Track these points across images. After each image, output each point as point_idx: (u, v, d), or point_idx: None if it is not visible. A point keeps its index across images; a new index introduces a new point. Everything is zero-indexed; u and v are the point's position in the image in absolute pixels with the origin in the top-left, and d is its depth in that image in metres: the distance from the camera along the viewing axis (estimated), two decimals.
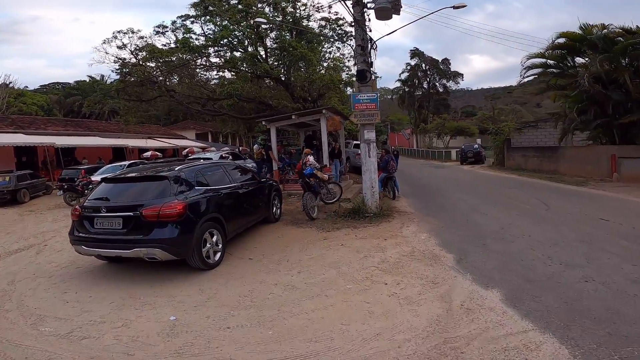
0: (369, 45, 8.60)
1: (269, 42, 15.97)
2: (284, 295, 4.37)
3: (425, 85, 55.23)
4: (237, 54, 14.61)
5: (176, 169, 5.28)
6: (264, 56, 15.78)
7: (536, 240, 6.06)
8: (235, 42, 13.96)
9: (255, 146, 11.52)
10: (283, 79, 16.52)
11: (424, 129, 47.19)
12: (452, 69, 54.90)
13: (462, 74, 56.23)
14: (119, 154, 22.38)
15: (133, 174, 5.31)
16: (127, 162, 16.37)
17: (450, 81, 55.25)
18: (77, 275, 5.39)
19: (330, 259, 5.49)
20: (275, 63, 16.27)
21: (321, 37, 17.04)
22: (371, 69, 8.61)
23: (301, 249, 6.08)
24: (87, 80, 16.72)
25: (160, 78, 16.53)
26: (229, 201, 5.86)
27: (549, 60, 15.52)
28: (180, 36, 15.04)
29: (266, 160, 11.14)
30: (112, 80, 17.41)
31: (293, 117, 10.33)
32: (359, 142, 18.23)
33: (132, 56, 15.45)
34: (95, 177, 13.35)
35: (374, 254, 5.62)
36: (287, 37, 15.26)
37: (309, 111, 10.87)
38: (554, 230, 6.57)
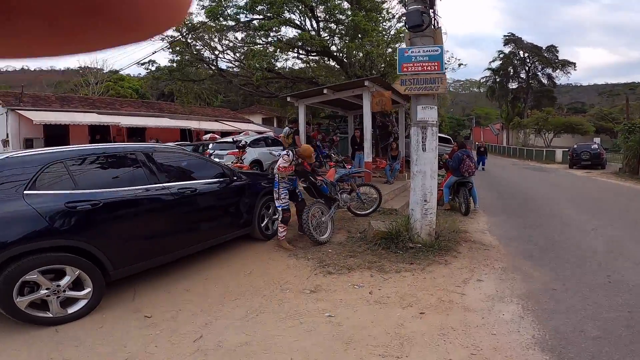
0: None
1: (320, 15, 12.86)
2: None
3: (522, 75, 46.53)
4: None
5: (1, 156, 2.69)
6: (315, 28, 12.76)
7: None
8: (276, 8, 11.11)
9: (286, 129, 8.70)
10: (340, 55, 13.31)
11: (519, 124, 39.34)
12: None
13: (574, 63, 45.49)
14: (187, 135, 21.98)
15: None
16: (172, 144, 15.16)
17: (558, 71, 45.42)
18: None
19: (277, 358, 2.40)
20: (328, 36, 13.07)
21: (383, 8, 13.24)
22: (431, 10, 5.01)
23: (249, 314, 3.08)
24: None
25: (210, 56, 14.69)
26: (131, 216, 3.15)
27: None
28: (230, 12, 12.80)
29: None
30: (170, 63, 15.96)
31: (325, 91, 7.22)
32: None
33: (178, 34, 13.77)
34: None
35: None
36: (342, 4, 11.93)
37: (346, 83, 7.57)
38: None
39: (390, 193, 7.49)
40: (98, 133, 19.82)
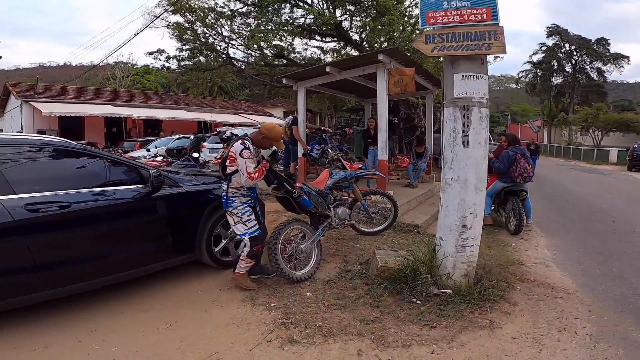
0: None
1: None
2: None
3: (568, 69, 42.23)
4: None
5: None
6: (331, 10, 10.99)
7: None
8: None
9: (289, 118, 7.10)
10: (359, 41, 11.48)
11: (565, 121, 35.52)
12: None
13: (628, 57, 40.24)
14: (206, 128, 21.05)
15: None
16: (176, 136, 14.09)
17: (609, 65, 40.64)
18: None
19: None
20: (344, 17, 11.22)
21: None
22: None
23: None
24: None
25: (220, 43, 13.34)
26: None
27: None
28: None
29: (290, 142, 6.66)
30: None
31: (328, 69, 5.49)
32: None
33: (183, 20, 12.44)
34: (137, 153, 11.10)
35: None
36: None
37: (354, 58, 5.70)
38: None
39: (412, 201, 5.73)
40: (114, 125, 19.26)
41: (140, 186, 2.72)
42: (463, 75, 3.07)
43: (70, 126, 17.00)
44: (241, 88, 37.64)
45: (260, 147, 3.04)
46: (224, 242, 3.36)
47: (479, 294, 2.94)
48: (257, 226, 2.92)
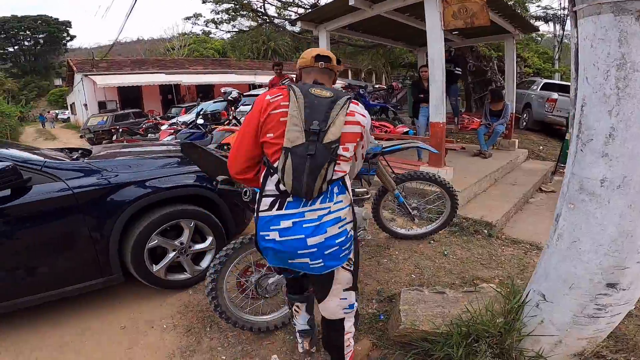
0: None
1: None
2: None
3: None
4: None
5: None
6: None
7: None
8: None
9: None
10: None
11: None
12: None
13: None
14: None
15: None
16: (219, 99, 13.46)
17: None
18: None
19: None
20: None
21: None
22: None
23: None
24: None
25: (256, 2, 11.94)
26: None
27: None
28: None
29: None
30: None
31: (352, 2, 3.72)
32: (550, 81, 9.21)
33: None
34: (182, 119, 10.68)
35: None
36: None
37: None
38: None
39: (483, 180, 4.00)
40: (170, 93, 19.48)
41: None
42: None
43: (130, 96, 17.59)
44: (296, 50, 36.24)
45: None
46: (170, 255, 2.23)
47: None
48: None
